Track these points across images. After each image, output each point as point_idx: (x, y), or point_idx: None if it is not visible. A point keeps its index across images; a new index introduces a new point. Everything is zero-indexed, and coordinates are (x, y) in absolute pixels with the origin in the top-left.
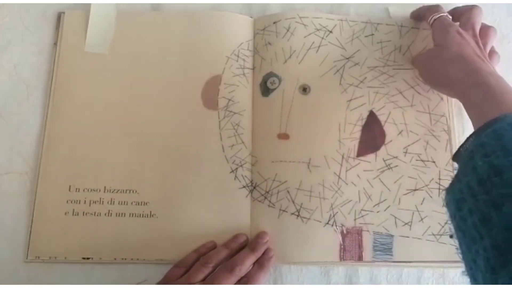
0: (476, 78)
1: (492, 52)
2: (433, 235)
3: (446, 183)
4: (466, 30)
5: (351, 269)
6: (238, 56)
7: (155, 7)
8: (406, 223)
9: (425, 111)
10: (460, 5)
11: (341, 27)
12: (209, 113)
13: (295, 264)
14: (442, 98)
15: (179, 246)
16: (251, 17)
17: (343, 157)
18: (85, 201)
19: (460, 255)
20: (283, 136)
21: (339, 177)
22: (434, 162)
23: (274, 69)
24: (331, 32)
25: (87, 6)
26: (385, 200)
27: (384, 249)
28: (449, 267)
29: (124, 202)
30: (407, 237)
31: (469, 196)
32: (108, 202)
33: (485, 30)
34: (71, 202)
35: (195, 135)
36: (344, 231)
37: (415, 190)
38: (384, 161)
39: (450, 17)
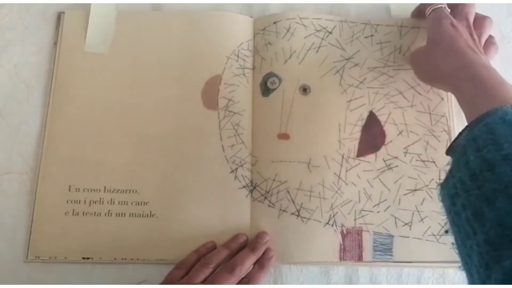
0: (468, 71)
1: (489, 43)
2: (433, 235)
3: None
4: (460, 21)
5: (351, 269)
6: (238, 56)
7: (155, 7)
8: (406, 223)
9: (425, 111)
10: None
11: (340, 28)
12: (209, 113)
13: (295, 264)
14: (442, 99)
15: (179, 246)
16: (251, 17)
17: (343, 157)
18: (85, 201)
19: (456, 250)
20: (283, 136)
21: (339, 177)
22: (434, 162)
23: (274, 69)
24: (330, 33)
25: (87, 6)
26: (385, 200)
27: (384, 249)
28: (449, 267)
29: (124, 202)
30: (407, 237)
31: (463, 191)
32: (108, 202)
33: (480, 20)
34: (71, 202)
35: (195, 135)
36: (344, 231)
37: (415, 190)
38: (384, 161)
39: (449, 10)
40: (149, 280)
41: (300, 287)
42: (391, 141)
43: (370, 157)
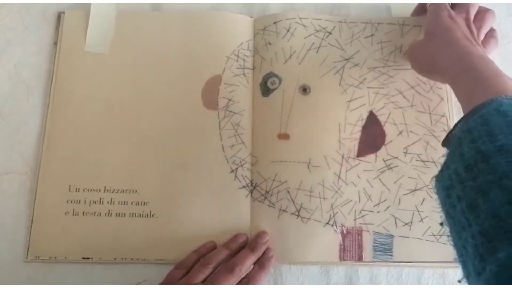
0: (464, 62)
1: (490, 36)
2: (433, 235)
3: None
4: (460, 13)
5: (351, 269)
6: (238, 56)
7: (155, 7)
8: (406, 223)
9: (425, 111)
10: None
11: (340, 28)
12: (209, 113)
13: (295, 264)
14: (442, 99)
15: (179, 246)
16: (251, 17)
17: (343, 157)
18: (85, 201)
19: (451, 242)
20: (283, 136)
21: (339, 177)
22: (434, 162)
23: (274, 69)
24: (330, 33)
25: (87, 6)
26: (385, 200)
27: (384, 249)
28: (449, 267)
29: (124, 202)
30: (407, 237)
31: (457, 183)
32: (108, 202)
33: (482, 13)
34: (71, 202)
35: (195, 135)
36: (344, 231)
37: (415, 190)
38: (384, 161)
39: (449, 4)
40: (149, 280)
41: (300, 287)
42: (391, 141)
43: (370, 157)
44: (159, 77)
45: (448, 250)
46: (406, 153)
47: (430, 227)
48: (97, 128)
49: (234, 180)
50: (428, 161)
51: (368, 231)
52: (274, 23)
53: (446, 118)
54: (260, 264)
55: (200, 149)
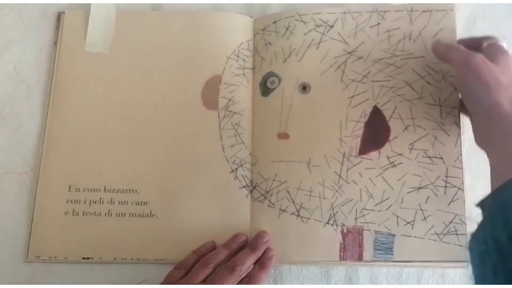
0: None
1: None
2: (436, 234)
3: (454, 180)
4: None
5: (351, 269)
6: (238, 56)
7: (155, 7)
8: (408, 222)
9: (435, 103)
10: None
11: (343, 20)
12: (209, 113)
13: (295, 264)
14: (455, 89)
15: (179, 246)
16: (251, 17)
17: (344, 155)
18: (85, 201)
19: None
20: (283, 136)
21: (339, 176)
22: (441, 158)
23: (274, 68)
24: (332, 27)
25: (87, 6)
26: (387, 199)
27: (385, 248)
28: (449, 267)
29: (124, 202)
30: (409, 236)
31: (496, 251)
32: (108, 202)
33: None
34: (71, 202)
35: (195, 135)
36: (345, 231)
37: (420, 188)
38: (388, 158)
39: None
40: (149, 280)
41: (300, 287)
42: (395, 137)
43: (373, 154)
44: (159, 77)
45: (451, 250)
46: (411, 149)
47: (433, 226)
48: (97, 128)
49: (234, 180)
50: (435, 157)
51: (369, 230)
52: (274, 22)
53: (458, 110)
54: (261, 264)
55: (200, 149)
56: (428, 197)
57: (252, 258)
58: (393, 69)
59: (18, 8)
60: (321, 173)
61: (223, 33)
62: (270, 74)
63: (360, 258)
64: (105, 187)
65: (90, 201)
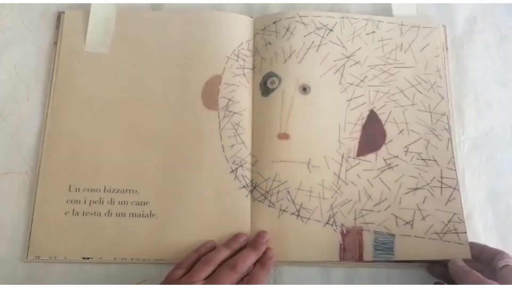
0: None
1: None
2: (436, 233)
3: (449, 181)
4: None
5: (351, 269)
6: (238, 56)
7: (155, 7)
8: (407, 222)
9: (426, 110)
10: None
11: (342, 24)
12: (209, 113)
13: (295, 264)
14: (443, 98)
15: (179, 246)
16: (251, 17)
17: (343, 157)
18: (85, 201)
19: None
20: (283, 136)
21: (338, 177)
22: (435, 160)
23: (274, 69)
24: (331, 30)
25: (87, 6)
26: (385, 199)
27: (385, 248)
28: None
29: (124, 202)
30: (409, 236)
31: None
32: (108, 202)
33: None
34: (71, 202)
35: (195, 135)
36: (344, 231)
37: (416, 189)
38: (385, 160)
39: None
40: (149, 280)
41: (300, 287)
42: (391, 140)
43: (370, 156)
44: (159, 77)
45: (452, 248)
46: (406, 152)
47: (432, 225)
48: (97, 128)
49: (234, 180)
50: (429, 159)
51: (368, 230)
52: (274, 22)
53: (447, 117)
54: (261, 263)
55: (200, 149)
56: (425, 197)
57: (253, 258)
58: (387, 76)
59: (18, 8)
60: (320, 173)
61: (223, 33)
62: (271, 74)
63: (360, 258)
64: (105, 187)
65: (90, 201)
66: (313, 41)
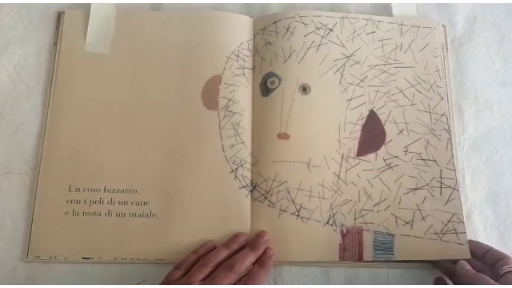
0: None
1: None
2: (436, 233)
3: (448, 181)
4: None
5: (351, 269)
6: (238, 56)
7: (155, 7)
8: (407, 222)
9: (425, 110)
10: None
11: (342, 24)
12: (209, 113)
13: (295, 264)
14: (442, 98)
15: (179, 246)
16: (251, 17)
17: (343, 157)
18: (85, 201)
19: None
20: (283, 136)
21: (338, 177)
22: (435, 161)
23: (274, 69)
24: (331, 30)
25: (87, 6)
26: (385, 199)
27: (385, 248)
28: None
29: (124, 202)
30: (408, 236)
31: None
32: (108, 202)
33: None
34: (71, 202)
35: (195, 135)
36: (344, 231)
37: (416, 189)
38: (384, 160)
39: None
40: (149, 280)
41: (300, 287)
42: (391, 140)
43: (370, 156)
44: (159, 77)
45: (452, 248)
46: (406, 152)
47: (432, 225)
48: (97, 128)
49: (234, 180)
50: (428, 159)
51: (368, 230)
52: (274, 22)
53: (446, 117)
54: (261, 263)
55: (200, 149)
56: (425, 197)
57: (252, 257)
58: (387, 76)
59: (18, 8)
60: (320, 173)
61: (223, 33)
62: (271, 74)
63: (360, 258)
64: (105, 187)
65: (90, 201)
66: (313, 41)
